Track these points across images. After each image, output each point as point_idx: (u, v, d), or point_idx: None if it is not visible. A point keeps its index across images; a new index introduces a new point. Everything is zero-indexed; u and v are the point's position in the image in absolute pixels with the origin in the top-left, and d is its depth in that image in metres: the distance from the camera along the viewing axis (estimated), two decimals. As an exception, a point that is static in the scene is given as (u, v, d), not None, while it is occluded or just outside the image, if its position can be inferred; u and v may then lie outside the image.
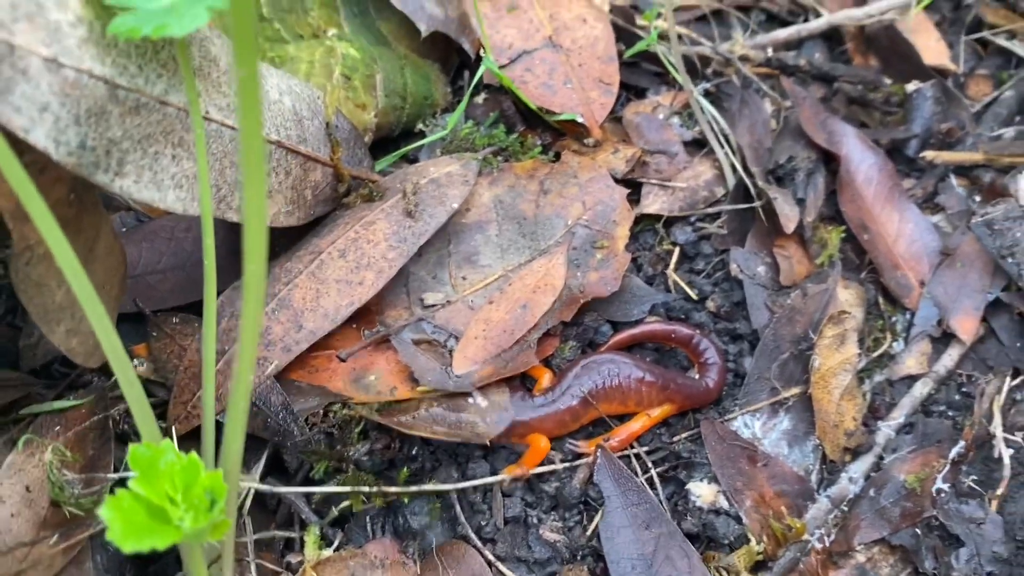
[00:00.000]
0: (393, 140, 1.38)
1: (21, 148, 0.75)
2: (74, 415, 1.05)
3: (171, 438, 1.05)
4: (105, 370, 1.08)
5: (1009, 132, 1.56)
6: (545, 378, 1.19)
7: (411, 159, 1.37)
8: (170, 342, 1.12)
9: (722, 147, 1.41)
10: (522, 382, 1.17)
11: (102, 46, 0.80)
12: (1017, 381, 1.33)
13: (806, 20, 1.68)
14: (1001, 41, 1.72)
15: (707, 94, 1.49)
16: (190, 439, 1.05)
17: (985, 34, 1.73)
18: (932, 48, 1.71)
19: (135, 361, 1.12)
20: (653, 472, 1.17)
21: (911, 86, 1.57)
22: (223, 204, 0.98)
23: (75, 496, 0.96)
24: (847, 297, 1.33)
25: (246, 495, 1.05)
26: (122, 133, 0.83)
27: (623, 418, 1.19)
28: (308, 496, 1.08)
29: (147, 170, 0.87)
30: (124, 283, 1.04)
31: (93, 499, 0.97)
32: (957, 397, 1.32)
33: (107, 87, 0.81)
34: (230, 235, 1.21)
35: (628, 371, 1.16)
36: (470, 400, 1.10)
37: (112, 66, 0.81)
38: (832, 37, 1.70)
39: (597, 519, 1.10)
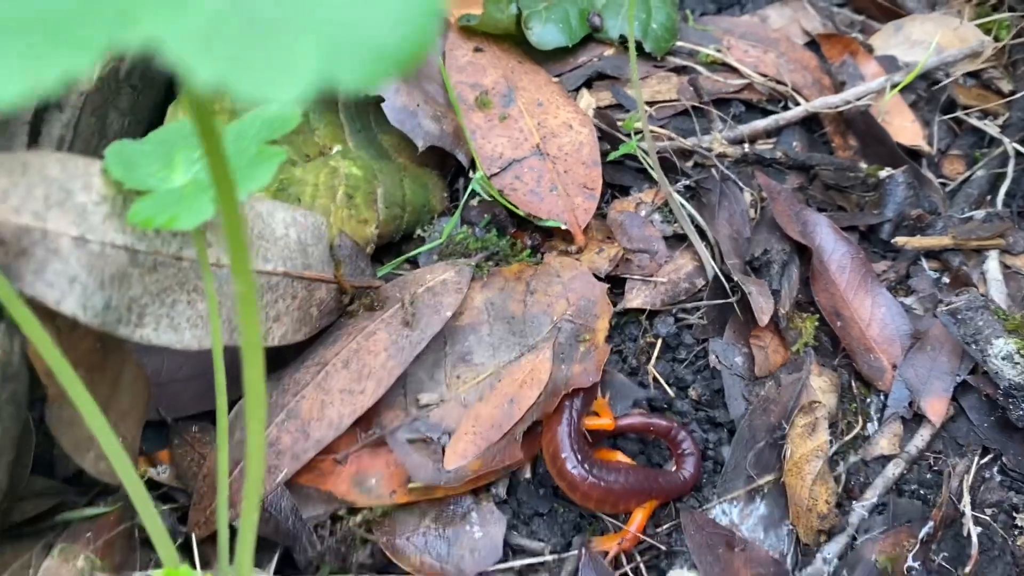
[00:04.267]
0: (395, 244, 1.49)
1: (53, 313, 0.87)
2: (104, 522, 1.16)
3: (192, 541, 1.16)
4: (132, 480, 1.19)
5: (979, 214, 1.64)
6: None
7: (413, 261, 1.48)
8: (190, 450, 1.23)
9: (702, 240, 1.50)
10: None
11: (123, 218, 0.92)
12: (986, 460, 1.41)
13: (785, 107, 1.77)
14: (974, 121, 1.81)
15: (688, 189, 1.58)
16: (209, 542, 1.16)
17: (959, 114, 1.82)
18: (908, 129, 1.80)
19: (159, 468, 1.23)
20: (639, 561, 1.26)
21: (884, 172, 1.66)
22: (235, 334, 1.10)
23: (105, 602, 1.07)
24: (820, 384, 1.42)
25: (260, 593, 1.15)
26: (142, 290, 0.95)
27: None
28: (317, 592, 1.18)
29: (164, 317, 0.98)
30: (148, 405, 1.15)
31: (121, 604, 1.08)
32: (928, 476, 1.40)
33: (128, 253, 0.92)
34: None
35: (634, 477, 1.26)
36: (467, 527, 1.20)
37: (132, 234, 0.93)
38: (812, 121, 1.79)
39: (581, 610, 1.20)
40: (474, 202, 1.51)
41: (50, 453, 1.24)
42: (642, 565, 1.25)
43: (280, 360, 1.31)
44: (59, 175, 0.87)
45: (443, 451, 1.24)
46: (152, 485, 1.24)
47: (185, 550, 1.18)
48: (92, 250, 0.89)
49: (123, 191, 0.92)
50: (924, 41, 1.90)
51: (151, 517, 0.90)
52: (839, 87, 1.82)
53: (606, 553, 1.24)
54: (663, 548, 1.26)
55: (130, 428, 1.11)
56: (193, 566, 1.15)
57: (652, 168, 1.48)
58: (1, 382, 0.87)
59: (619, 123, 1.56)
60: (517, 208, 1.45)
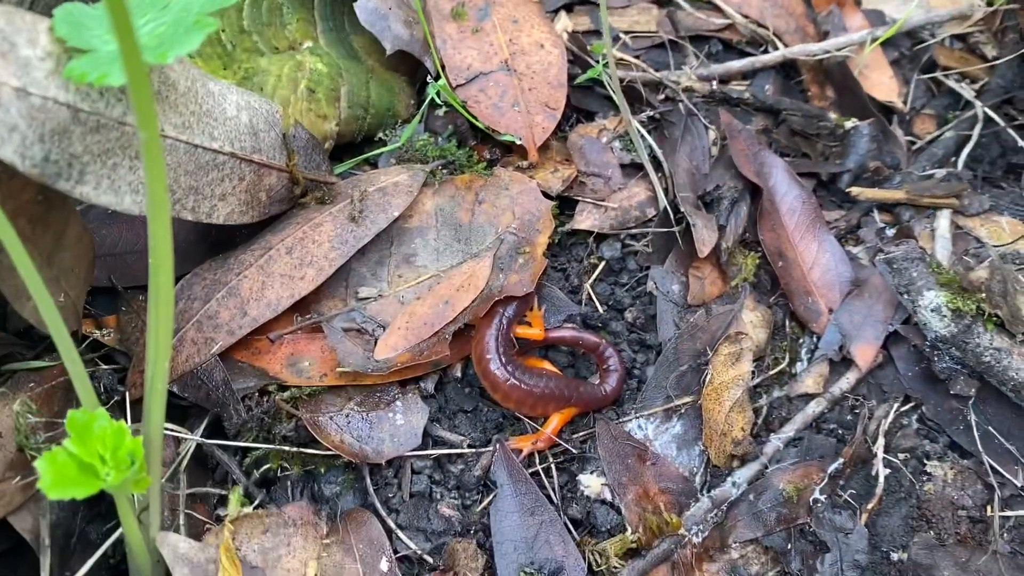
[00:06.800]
0: (356, 145, 1.53)
1: (-7, 160, 0.92)
2: (47, 374, 1.23)
3: (126, 400, 1.22)
4: (74, 337, 1.25)
5: (940, 172, 1.66)
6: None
7: (372, 163, 1.52)
8: (135, 317, 1.29)
9: (658, 172, 1.53)
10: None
11: (67, 77, 0.96)
12: (906, 408, 1.45)
13: (765, 51, 1.79)
14: (951, 83, 1.82)
15: (652, 120, 1.61)
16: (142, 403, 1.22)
17: (937, 74, 1.83)
18: (884, 85, 1.81)
19: (104, 331, 1.29)
20: (551, 462, 1.32)
21: (850, 123, 1.67)
22: (178, 205, 1.14)
23: (37, 443, 1.14)
24: (752, 318, 1.46)
25: (185, 453, 1.22)
26: (83, 148, 0.99)
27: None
28: (241, 459, 1.25)
29: (105, 179, 1.03)
30: (92, 265, 1.20)
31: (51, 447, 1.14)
32: (848, 417, 1.45)
33: (70, 111, 0.97)
34: (195, 227, 1.37)
35: (555, 384, 1.31)
36: (390, 414, 1.25)
37: (75, 93, 0.97)
38: (791, 67, 1.80)
39: (489, 501, 1.26)
40: (440, 111, 1.54)
41: (2, 307, 1.31)
42: (553, 467, 1.31)
43: (232, 242, 1.36)
44: (3, 26, 0.91)
45: (375, 342, 1.30)
46: (96, 346, 1.30)
47: (121, 408, 1.25)
48: (33, 103, 0.93)
49: (68, 50, 0.96)
50: (917, -3, 1.89)
51: (74, 362, 0.95)
52: (822, 36, 1.82)
53: (520, 451, 1.30)
54: (575, 453, 1.32)
55: (73, 285, 1.17)
56: (126, 422, 1.22)
57: (615, 94, 1.50)
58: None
59: (590, 48, 1.58)
60: (478, 120, 1.48)
